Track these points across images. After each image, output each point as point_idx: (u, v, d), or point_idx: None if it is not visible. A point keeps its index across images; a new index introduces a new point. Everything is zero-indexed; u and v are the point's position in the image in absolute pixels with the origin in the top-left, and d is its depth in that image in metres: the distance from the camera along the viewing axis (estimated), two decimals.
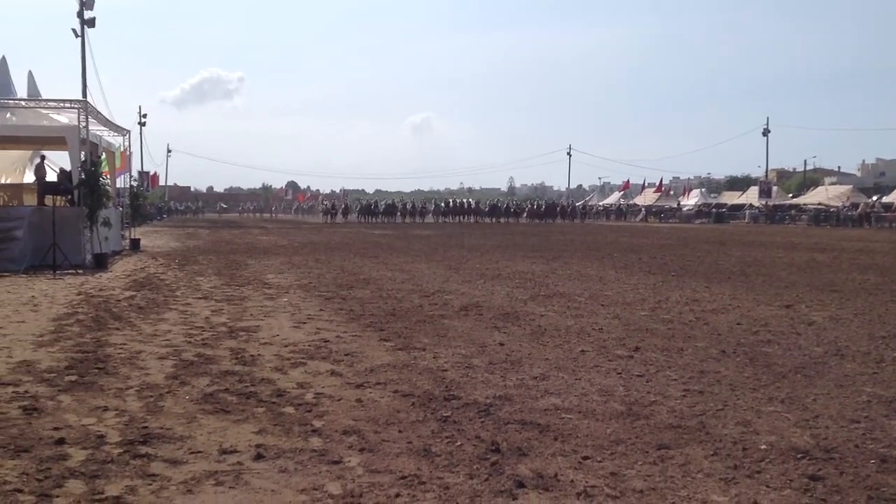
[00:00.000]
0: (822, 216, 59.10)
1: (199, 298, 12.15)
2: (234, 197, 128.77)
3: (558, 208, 72.24)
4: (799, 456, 4.64)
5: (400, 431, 5.19)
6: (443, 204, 69.83)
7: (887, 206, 57.56)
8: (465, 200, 74.28)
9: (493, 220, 67.05)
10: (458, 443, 4.94)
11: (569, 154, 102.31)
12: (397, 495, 4.06)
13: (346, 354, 7.78)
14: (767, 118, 79.45)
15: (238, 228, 49.04)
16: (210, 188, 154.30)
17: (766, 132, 78.99)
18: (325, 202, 75.67)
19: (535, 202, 75.41)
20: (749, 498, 4.00)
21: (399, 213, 67.17)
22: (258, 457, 4.65)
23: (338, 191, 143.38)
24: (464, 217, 67.90)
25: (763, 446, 4.84)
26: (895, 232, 46.05)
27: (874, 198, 64.53)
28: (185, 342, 8.36)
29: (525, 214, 70.22)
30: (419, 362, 7.42)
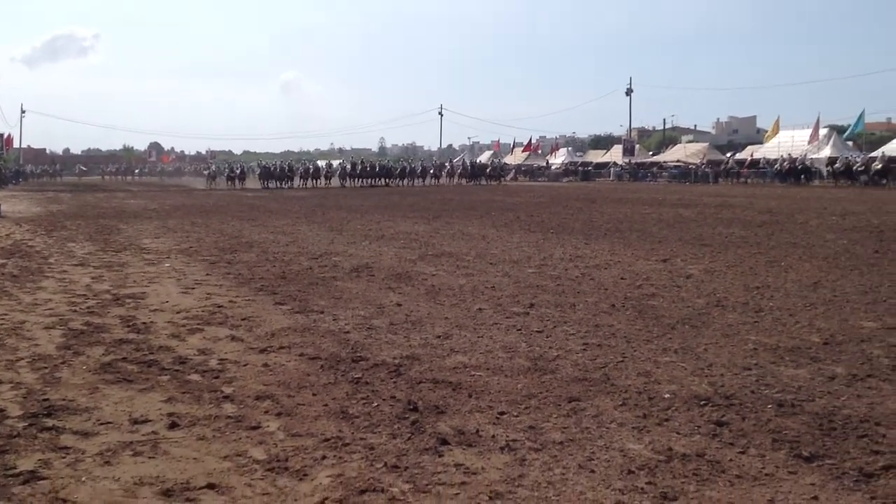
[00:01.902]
0: (682, 173, 61.53)
1: (76, 265, 11.63)
2: (93, 159, 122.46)
3: (488, 169, 65.21)
4: (702, 403, 4.90)
5: (314, 395, 5.18)
6: (348, 166, 59.96)
7: (741, 163, 60.44)
8: (375, 162, 65.15)
9: (408, 182, 59.19)
10: (375, 403, 4.97)
11: (440, 114, 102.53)
12: (323, 457, 4.06)
13: (243, 319, 7.65)
14: (630, 78, 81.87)
15: (102, 192, 46.98)
16: (67, 150, 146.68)
17: (629, 92, 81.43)
18: (210, 164, 66.05)
19: (464, 162, 68.12)
20: (663, 444, 4.21)
21: (307, 177, 56.25)
22: (173, 425, 4.55)
23: (204, 152, 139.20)
24: (375, 180, 58.60)
25: (667, 395, 5.09)
26: (749, 187, 48.60)
27: (728, 154, 67.68)
28: (69, 311, 8.01)
29: (458, 175, 63.28)
30: (319, 325, 7.38)
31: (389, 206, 28.79)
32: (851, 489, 3.64)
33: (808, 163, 51.50)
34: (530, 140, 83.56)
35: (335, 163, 66.92)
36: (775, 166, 53.07)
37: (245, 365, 5.94)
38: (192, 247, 14.35)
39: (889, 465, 3.86)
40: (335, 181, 56.95)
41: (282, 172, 55.15)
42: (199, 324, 7.42)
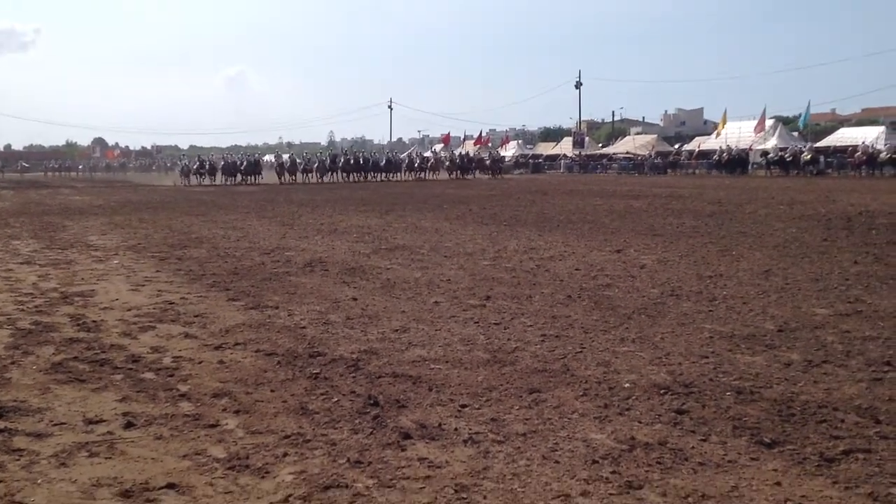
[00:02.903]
0: (632, 165, 62.22)
1: (21, 263, 11.33)
2: (35, 155, 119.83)
3: (487, 160, 59.38)
4: (662, 392, 4.92)
5: (272, 391, 5.10)
6: (326, 160, 55.03)
7: (689, 154, 61.43)
8: (359, 154, 57.86)
9: (389, 176, 54.87)
10: (335, 399, 4.90)
11: (390, 107, 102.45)
12: (285, 454, 3.99)
13: (195, 316, 7.51)
14: (580, 71, 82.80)
15: (45, 188, 46.00)
16: (8, 146, 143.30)
17: (578, 85, 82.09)
18: (183, 159, 58.99)
19: (458, 155, 60.68)
20: (625, 434, 4.21)
21: (282, 172, 52.03)
22: (128, 425, 4.44)
23: (149, 147, 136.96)
24: (359, 174, 53.69)
25: (627, 384, 5.10)
26: (697, 178, 49.35)
27: (677, 146, 68.61)
28: (16, 310, 7.79)
29: (447, 167, 57.53)
30: (275, 321, 7.27)
31: (340, 199, 28.60)
32: (813, 474, 3.67)
33: (744, 154, 52.75)
34: (480, 133, 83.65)
35: (310, 156, 59.69)
36: (713, 157, 54.30)
37: (200, 362, 5.82)
38: (140, 243, 14.08)
39: (849, 449, 3.91)
40: (307, 176, 52.81)
41: (249, 167, 51.75)
42: (150, 321, 7.27)
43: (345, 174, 53.39)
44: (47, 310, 7.84)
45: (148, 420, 4.52)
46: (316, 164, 53.98)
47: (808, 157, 48.22)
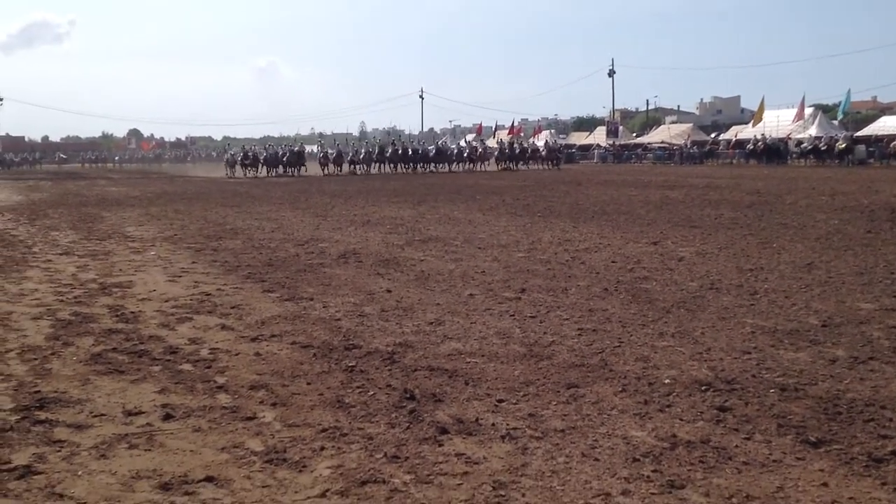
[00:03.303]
0: (667, 154, 61.68)
1: (61, 254, 11.46)
2: (72, 146, 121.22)
3: (542, 150, 55.49)
4: (703, 388, 4.83)
5: (308, 384, 5.08)
6: (374, 150, 51.83)
7: (726, 143, 60.68)
8: (410, 146, 54.41)
9: (437, 167, 52.59)
10: (371, 392, 4.88)
11: (421, 97, 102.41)
12: (322, 448, 3.97)
13: (232, 307, 7.53)
14: (612, 59, 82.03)
15: (83, 179, 46.61)
16: (46, 138, 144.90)
17: (611, 73, 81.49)
18: (229, 150, 52.85)
19: (505, 144, 56.17)
20: (666, 431, 4.14)
21: (326, 163, 48.46)
22: (167, 417, 4.45)
23: (184, 138, 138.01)
24: (408, 165, 51.62)
25: (667, 380, 5.02)
26: (734, 168, 48.79)
27: (713, 135, 67.89)
28: (56, 300, 7.87)
29: (495, 158, 53.81)
30: (310, 313, 7.27)
31: (372, 190, 28.63)
32: (861, 475, 3.58)
33: (780, 143, 52.03)
34: (513, 123, 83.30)
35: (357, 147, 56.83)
36: (748, 146, 53.71)
37: (237, 354, 5.83)
38: (176, 234, 14.19)
39: None
40: (354, 167, 50.08)
41: (292, 157, 48.74)
42: (187, 312, 7.30)
43: (392, 165, 51.43)
44: (87, 300, 7.91)
45: (186, 412, 4.53)
46: (363, 155, 51.60)
47: (843, 146, 47.16)
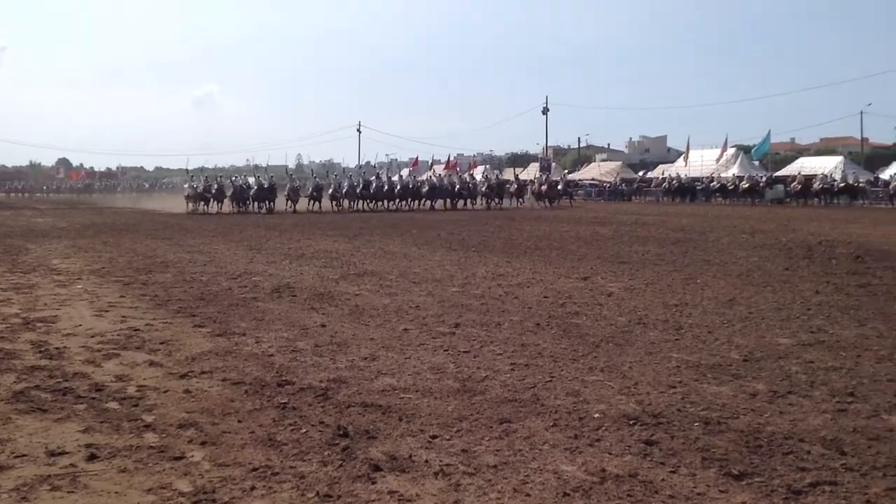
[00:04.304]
0: (597, 191, 63.09)
1: None
2: None
3: (542, 186, 50.67)
4: (631, 422, 4.94)
5: (239, 421, 5.03)
6: (358, 184, 45.26)
7: (648, 182, 62.67)
8: (383, 181, 46.97)
9: (432, 204, 46.28)
10: (304, 429, 4.86)
11: (359, 130, 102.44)
12: (252, 488, 3.94)
13: (161, 343, 7.41)
14: (547, 97, 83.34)
15: (8, 209, 45.38)
16: None
17: (545, 111, 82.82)
18: (191, 181, 45.33)
19: (491, 179, 50.45)
20: (596, 465, 4.22)
21: (294, 198, 42.54)
22: (91, 457, 4.35)
23: (114, 168, 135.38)
24: (379, 202, 45.33)
25: (596, 415, 5.11)
26: (660, 205, 50.04)
27: (641, 173, 69.58)
28: None
29: (482, 195, 47.78)
30: (242, 348, 7.20)
31: (308, 224, 28.50)
32: None
33: (692, 183, 54.81)
34: (449, 158, 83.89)
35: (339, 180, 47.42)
36: (663, 185, 56.29)
37: (165, 391, 5.74)
38: (104, 267, 13.90)
39: (816, 481, 3.95)
40: (332, 204, 43.60)
41: (261, 192, 41.84)
42: (115, 348, 7.16)
43: (371, 202, 45.01)
44: (9, 336, 7.69)
45: (112, 452, 4.44)
46: (346, 189, 44.44)
47: (747, 185, 50.08)
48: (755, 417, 5.04)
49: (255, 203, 42.14)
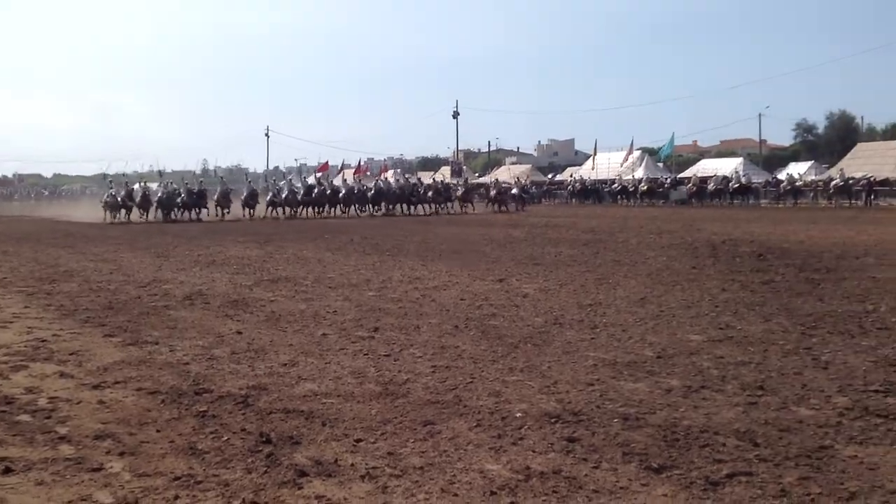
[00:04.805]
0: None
1: None
2: None
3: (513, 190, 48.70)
4: (552, 420, 5.03)
5: (158, 431, 4.93)
6: (299, 190, 41.26)
7: (558, 184, 64.16)
8: (327, 186, 43.48)
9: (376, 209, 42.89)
10: (225, 437, 4.79)
11: (267, 135, 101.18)
12: (176, 497, 3.87)
13: (70, 354, 7.18)
14: (457, 101, 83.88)
15: None
16: None
17: (455, 115, 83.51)
18: (111, 188, 40.23)
19: (438, 183, 47.13)
20: (520, 463, 4.28)
21: (251, 204, 39.10)
22: (7, 471, 4.20)
23: (10, 175, 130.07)
24: (333, 208, 41.63)
25: (518, 414, 5.19)
26: (569, 207, 51.06)
27: (549, 176, 70.83)
28: None
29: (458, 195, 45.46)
30: (156, 357, 7.05)
31: (219, 230, 28.01)
32: (700, 498, 3.82)
33: (596, 185, 56.93)
34: (359, 161, 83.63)
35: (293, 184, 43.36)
36: (568, 187, 58.21)
37: (78, 403, 5.57)
38: (5, 277, 13.38)
39: (732, 472, 4.09)
40: (273, 211, 39.52)
41: (191, 199, 38.47)
42: (22, 360, 6.90)
43: (314, 208, 41.25)
44: None
45: (27, 465, 4.29)
46: (286, 195, 40.37)
47: (645, 188, 52.55)
48: (671, 412, 5.19)
49: (186, 210, 38.70)
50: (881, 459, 4.28)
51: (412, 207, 43.41)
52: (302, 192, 41.32)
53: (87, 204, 47.00)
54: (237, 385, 6.02)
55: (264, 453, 4.48)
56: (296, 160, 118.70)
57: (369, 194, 43.05)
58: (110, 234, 25.82)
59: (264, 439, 4.71)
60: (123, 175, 47.27)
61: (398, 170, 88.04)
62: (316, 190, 41.87)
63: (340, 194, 42.61)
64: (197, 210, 38.57)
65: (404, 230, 26.28)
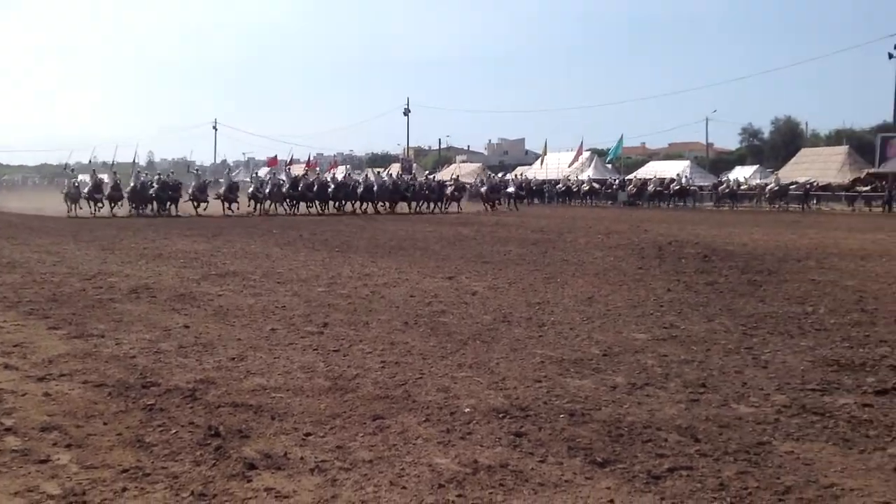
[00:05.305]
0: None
1: None
2: None
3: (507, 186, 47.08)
4: (500, 415, 5.11)
5: (105, 424, 4.90)
6: (283, 183, 38.45)
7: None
8: (314, 180, 40.24)
9: (422, 205, 40.74)
10: (173, 430, 4.78)
11: (215, 128, 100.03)
12: (124, 489, 3.86)
13: (14, 346, 7.07)
14: (408, 98, 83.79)
15: None
16: None
17: (406, 112, 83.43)
18: (72, 177, 36.47)
19: (431, 180, 44.73)
20: (468, 457, 4.35)
21: (229, 198, 35.71)
22: None
23: None
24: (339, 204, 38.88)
25: (467, 409, 5.26)
26: (521, 206, 51.33)
27: (499, 174, 71.22)
28: None
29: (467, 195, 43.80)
30: (102, 350, 6.97)
31: (163, 224, 27.65)
32: (643, 491, 3.93)
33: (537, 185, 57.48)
34: (310, 157, 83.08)
35: (264, 175, 42.26)
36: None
37: (24, 395, 5.50)
38: None
39: (673, 467, 4.21)
40: (258, 205, 36.71)
41: (165, 191, 35.04)
42: None
43: (309, 203, 38.30)
44: None
45: None
46: (270, 189, 37.35)
47: (587, 188, 54.20)
48: (616, 408, 5.31)
49: (159, 204, 35.15)
50: (816, 455, 4.44)
51: (410, 205, 40.51)
52: (287, 185, 38.26)
53: (31, 194, 45.48)
54: (185, 379, 5.99)
55: (213, 446, 4.49)
56: (243, 154, 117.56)
57: (359, 190, 39.59)
58: (53, 227, 25.33)
59: (213, 432, 4.71)
60: (76, 165, 40.80)
61: (348, 166, 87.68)
62: (302, 184, 38.52)
63: (330, 189, 39.07)
64: (170, 204, 35.11)
65: (352, 226, 26.24)
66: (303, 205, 38.23)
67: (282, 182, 38.54)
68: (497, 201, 43.81)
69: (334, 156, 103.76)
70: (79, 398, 5.46)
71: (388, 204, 40.13)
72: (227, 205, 35.60)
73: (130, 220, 28.98)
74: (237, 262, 14.32)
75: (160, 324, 8.23)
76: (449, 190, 42.54)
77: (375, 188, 39.76)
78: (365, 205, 39.26)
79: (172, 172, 40.25)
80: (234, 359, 6.69)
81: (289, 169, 57.28)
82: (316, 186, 38.76)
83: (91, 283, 11.31)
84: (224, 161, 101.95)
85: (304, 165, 75.23)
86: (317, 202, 38.39)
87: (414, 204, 40.66)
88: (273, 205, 37.09)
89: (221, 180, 39.42)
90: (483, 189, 44.75)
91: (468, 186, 47.10)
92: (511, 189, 46.28)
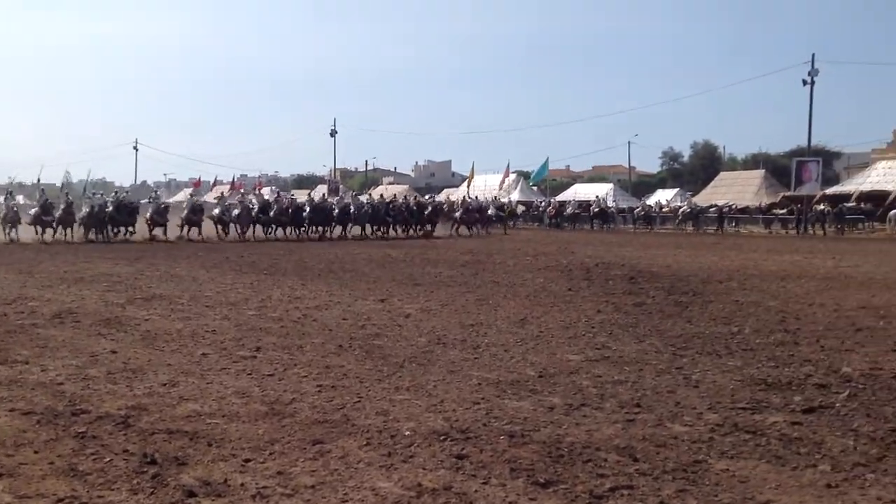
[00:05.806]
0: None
1: None
2: None
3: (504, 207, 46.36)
4: (441, 438, 5.12)
5: (36, 452, 4.75)
6: (253, 206, 34.83)
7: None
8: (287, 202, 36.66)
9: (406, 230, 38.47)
10: (107, 458, 4.66)
11: (135, 148, 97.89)
12: None
13: None
14: (335, 119, 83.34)
15: None
16: None
17: (333, 133, 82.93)
18: (9, 198, 31.75)
19: (410, 201, 42.14)
20: (411, 480, 4.35)
21: (191, 222, 32.14)
22: None
23: None
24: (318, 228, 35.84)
25: (407, 432, 5.26)
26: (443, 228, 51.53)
27: (427, 196, 71.41)
28: None
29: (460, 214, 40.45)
30: (27, 377, 6.75)
31: (82, 248, 26.91)
32: None
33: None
34: (234, 178, 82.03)
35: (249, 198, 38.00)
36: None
37: None
38: None
39: (614, 486, 4.28)
40: (222, 229, 33.44)
41: (121, 213, 31.16)
42: None
43: (284, 228, 35.12)
44: None
45: None
46: (239, 212, 33.88)
47: (508, 210, 52.66)
48: (555, 429, 5.38)
49: (114, 227, 31.49)
50: (751, 473, 4.56)
51: (384, 229, 37.41)
52: (257, 209, 34.95)
53: None
54: (116, 405, 5.85)
55: (149, 474, 4.39)
56: (164, 175, 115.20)
57: (334, 213, 36.63)
58: None
59: (148, 460, 4.61)
60: (13, 186, 35.94)
61: (273, 187, 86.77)
62: (276, 207, 35.13)
63: (305, 213, 35.90)
64: (126, 228, 31.53)
65: (279, 249, 25.97)
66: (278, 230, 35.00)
67: (251, 205, 35.32)
68: (474, 225, 40.82)
69: (259, 177, 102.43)
70: (7, 426, 5.28)
71: (381, 228, 37.31)
72: (188, 229, 32.19)
73: (47, 245, 28.01)
74: (163, 286, 14.02)
75: (87, 349, 8.02)
76: (426, 213, 40.13)
77: (353, 210, 37.12)
78: (344, 229, 36.64)
79: (128, 192, 37.10)
80: (165, 384, 6.56)
81: (258, 190, 53.24)
82: (290, 209, 35.58)
83: (11, 307, 10.95)
84: (144, 182, 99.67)
85: (227, 188, 74.30)
86: (292, 227, 35.32)
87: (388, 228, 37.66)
88: (242, 229, 33.46)
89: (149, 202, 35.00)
90: (457, 214, 41.57)
91: (444, 209, 44.18)
92: (491, 211, 43.69)
